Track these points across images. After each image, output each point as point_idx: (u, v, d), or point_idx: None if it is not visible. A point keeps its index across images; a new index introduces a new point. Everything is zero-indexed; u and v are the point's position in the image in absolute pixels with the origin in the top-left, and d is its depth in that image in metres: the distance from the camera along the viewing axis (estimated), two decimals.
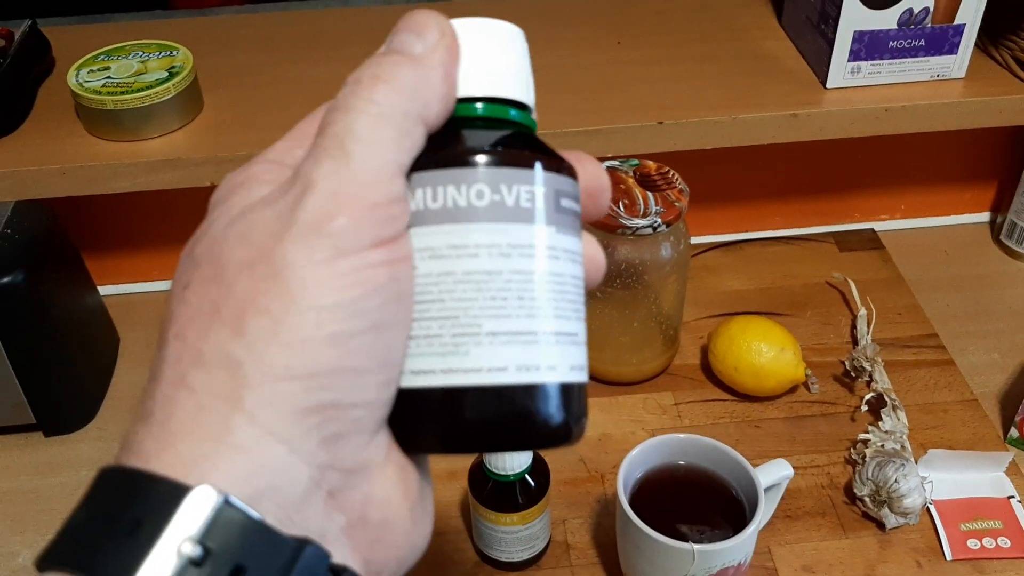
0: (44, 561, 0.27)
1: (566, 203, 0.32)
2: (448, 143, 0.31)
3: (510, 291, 0.30)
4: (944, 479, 0.79)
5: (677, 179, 0.82)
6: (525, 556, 0.75)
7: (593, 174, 0.34)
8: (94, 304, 0.95)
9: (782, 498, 0.78)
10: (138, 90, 0.86)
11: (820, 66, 0.92)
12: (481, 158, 0.30)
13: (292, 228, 0.28)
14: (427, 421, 0.30)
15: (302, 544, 0.27)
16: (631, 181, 0.82)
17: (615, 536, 0.72)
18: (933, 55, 0.90)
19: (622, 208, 0.79)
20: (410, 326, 0.30)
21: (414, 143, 0.30)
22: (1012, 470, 0.80)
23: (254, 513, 0.26)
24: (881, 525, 0.77)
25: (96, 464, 0.84)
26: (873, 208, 1.10)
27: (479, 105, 0.32)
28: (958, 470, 0.80)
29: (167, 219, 1.02)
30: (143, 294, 1.03)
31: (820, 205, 1.09)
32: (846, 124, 0.91)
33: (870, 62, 0.90)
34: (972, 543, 0.76)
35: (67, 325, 0.89)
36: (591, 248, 0.34)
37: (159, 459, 0.27)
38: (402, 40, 0.31)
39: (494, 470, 0.70)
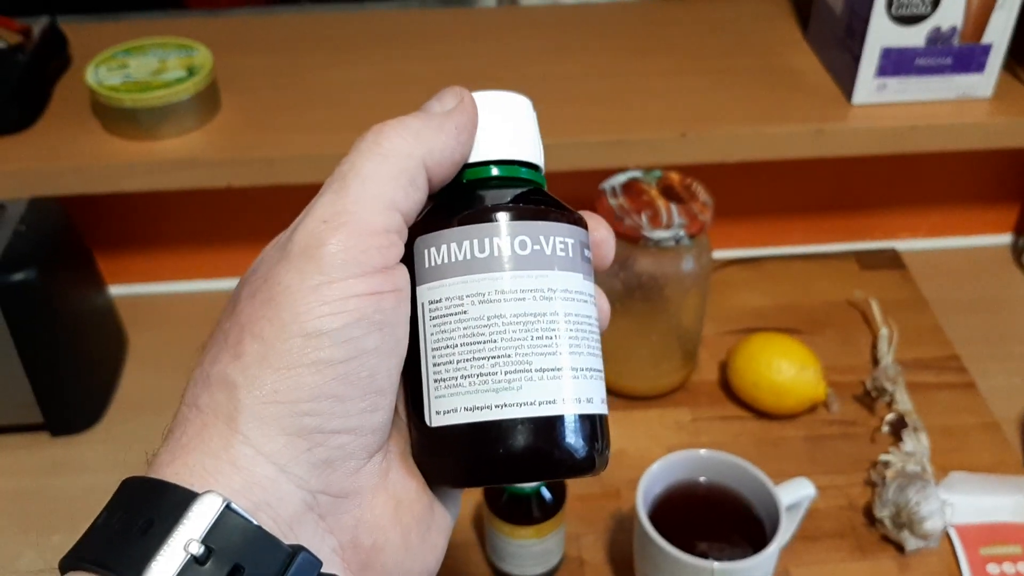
0: (66, 561, 0.29)
1: (587, 253, 0.35)
2: (487, 200, 0.34)
3: (553, 331, 0.33)
4: (965, 502, 0.78)
5: (701, 192, 0.81)
6: (539, 571, 0.73)
7: (596, 227, 0.37)
8: (104, 304, 0.94)
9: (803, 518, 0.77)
10: (156, 88, 0.85)
11: (846, 82, 0.91)
12: (523, 212, 0.33)
13: (287, 255, 0.31)
14: (477, 454, 0.32)
15: (296, 550, 0.29)
16: (654, 192, 0.81)
17: (630, 553, 0.70)
18: (960, 73, 0.89)
19: (645, 219, 0.78)
20: (400, 357, 0.32)
21: (413, 183, 0.32)
22: None
23: (253, 519, 0.29)
24: (900, 548, 0.75)
25: (101, 466, 0.84)
26: (895, 227, 1.09)
27: (495, 168, 0.35)
28: (979, 493, 0.79)
29: (181, 220, 1.01)
30: (153, 295, 1.02)
31: (842, 222, 1.08)
32: (871, 141, 0.90)
33: (896, 78, 0.89)
34: (992, 568, 0.74)
35: (77, 324, 0.88)
36: (597, 295, 0.36)
37: (169, 469, 0.30)
38: (426, 105, 0.35)
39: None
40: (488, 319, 0.32)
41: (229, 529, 0.28)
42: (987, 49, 0.88)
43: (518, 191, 0.35)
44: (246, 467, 0.29)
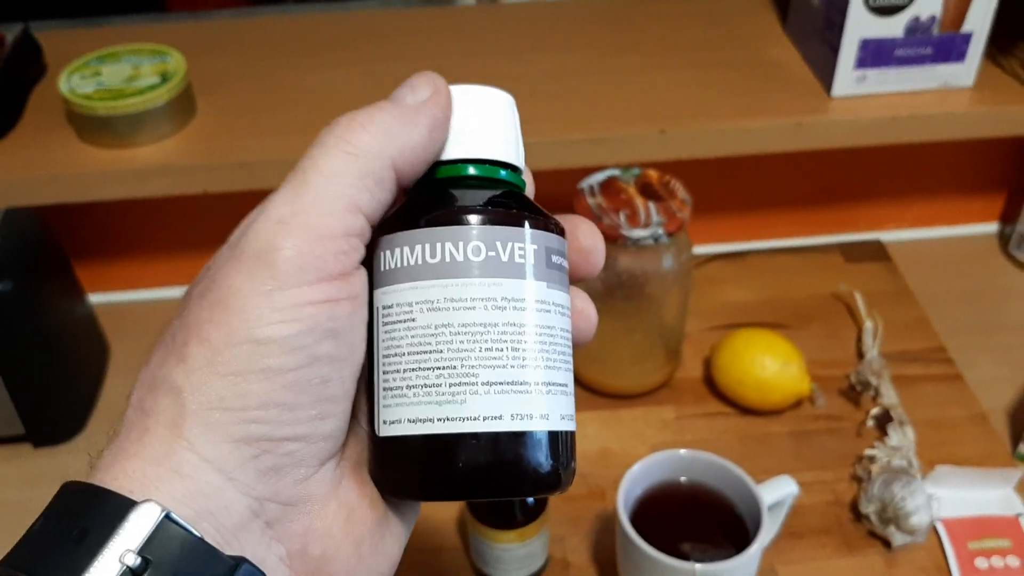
0: (1, 568, 0.28)
1: (556, 259, 0.33)
2: (445, 202, 0.33)
3: (505, 343, 0.31)
4: (952, 496, 0.78)
5: (679, 189, 0.81)
6: (523, 575, 0.73)
7: (587, 234, 0.35)
8: (84, 313, 0.93)
9: (787, 515, 0.76)
10: (130, 96, 0.84)
11: (825, 74, 0.90)
12: (478, 217, 0.32)
13: (239, 256, 0.29)
14: (422, 467, 0.31)
15: (239, 562, 0.28)
16: (632, 191, 0.80)
17: (616, 554, 0.70)
18: (941, 63, 0.89)
19: (623, 218, 0.78)
20: (355, 364, 0.31)
21: (380, 184, 0.31)
22: (1021, 487, 0.78)
23: (194, 530, 0.27)
24: (887, 543, 0.75)
25: (85, 476, 0.83)
26: (880, 218, 1.08)
27: (472, 167, 0.33)
28: (966, 487, 0.78)
29: (159, 227, 1.00)
30: (134, 303, 1.01)
31: (826, 214, 1.07)
32: (852, 133, 0.89)
33: (876, 70, 0.88)
34: (980, 562, 0.74)
35: (57, 334, 0.87)
36: (581, 302, 0.35)
37: (109, 473, 0.29)
38: (397, 92, 0.33)
39: None
40: (435, 328, 0.31)
41: (167, 540, 0.27)
42: (967, 38, 0.87)
43: (490, 193, 0.33)
44: (189, 474, 0.28)
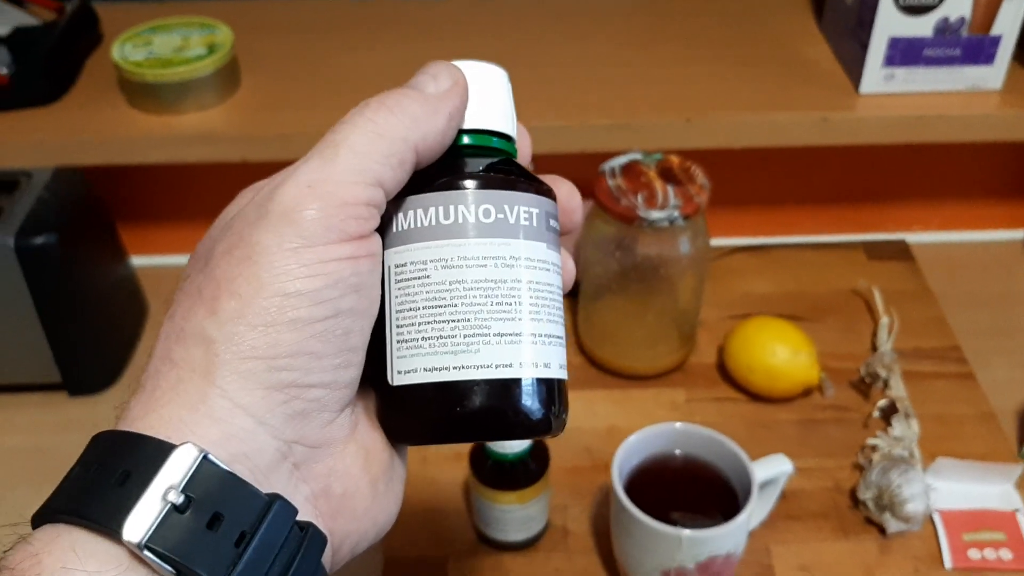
0: (39, 517, 0.30)
1: (552, 223, 0.37)
2: (457, 168, 0.35)
3: (513, 297, 0.34)
4: (952, 489, 0.78)
5: (699, 175, 0.82)
6: (522, 537, 0.75)
7: (567, 194, 0.39)
8: (125, 272, 0.98)
9: (785, 499, 0.78)
10: (177, 64, 0.88)
11: (855, 71, 0.92)
12: (487, 182, 0.35)
13: (267, 215, 0.31)
14: (437, 412, 0.34)
15: (274, 498, 0.30)
16: (652, 174, 0.82)
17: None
18: (969, 65, 0.89)
19: (641, 200, 0.80)
20: (372, 317, 0.33)
21: (402, 165, 0.33)
22: (1021, 483, 0.79)
23: (231, 469, 0.29)
24: (883, 530, 0.76)
25: (115, 425, 0.87)
26: (906, 219, 1.09)
27: (482, 138, 0.37)
28: (967, 481, 0.79)
29: (199, 194, 1.04)
30: (173, 267, 1.06)
31: (852, 214, 1.08)
32: (878, 130, 0.90)
33: (905, 69, 0.89)
34: (973, 553, 0.75)
35: (97, 289, 0.91)
36: (564, 258, 0.38)
37: (144, 422, 0.30)
38: (418, 80, 0.35)
39: (495, 450, 0.71)
40: (450, 284, 0.34)
41: (207, 479, 0.29)
42: (996, 41, 0.88)
43: (488, 160, 0.36)
44: (223, 419, 0.30)
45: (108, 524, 0.28)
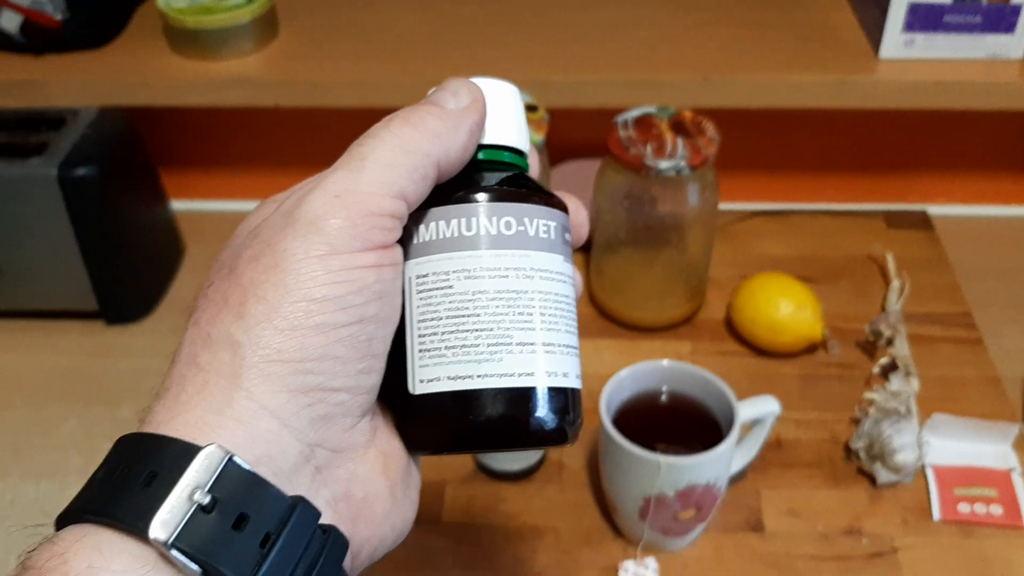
0: (63, 518, 0.30)
1: (567, 236, 0.38)
2: (478, 182, 0.36)
3: (534, 308, 0.35)
4: (947, 447, 0.79)
5: (710, 128, 0.84)
6: (517, 467, 0.78)
7: (574, 209, 0.40)
8: (164, 212, 1.02)
9: (781, 448, 0.80)
10: (218, 12, 0.93)
11: (875, 36, 0.93)
12: (509, 195, 0.36)
13: (294, 223, 0.32)
14: (460, 420, 0.35)
15: (297, 500, 0.30)
16: (664, 126, 0.84)
17: None
18: (990, 33, 0.90)
19: (650, 150, 0.82)
20: (394, 325, 0.34)
21: (424, 179, 0.34)
22: (1019, 444, 0.79)
23: (256, 471, 0.30)
24: (874, 481, 0.77)
25: (149, 353, 0.92)
26: (929, 191, 1.09)
27: (502, 153, 0.38)
28: (964, 439, 0.79)
29: (235, 139, 1.09)
30: (212, 212, 1.10)
31: (874, 183, 1.09)
32: (896, 94, 0.91)
33: (924, 34, 0.90)
34: (963, 507, 0.75)
35: (137, 224, 0.96)
36: (576, 277, 0.39)
37: (169, 425, 0.31)
38: (439, 96, 0.36)
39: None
40: (473, 294, 0.35)
41: (233, 480, 0.29)
42: (1017, 9, 0.88)
43: (505, 174, 0.37)
44: (249, 421, 0.30)
45: (135, 524, 0.28)
